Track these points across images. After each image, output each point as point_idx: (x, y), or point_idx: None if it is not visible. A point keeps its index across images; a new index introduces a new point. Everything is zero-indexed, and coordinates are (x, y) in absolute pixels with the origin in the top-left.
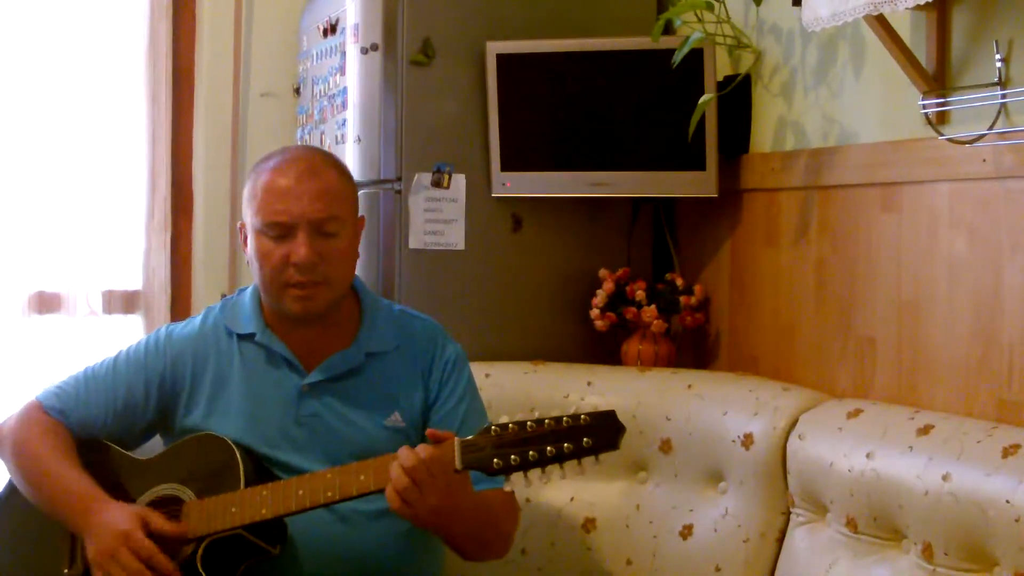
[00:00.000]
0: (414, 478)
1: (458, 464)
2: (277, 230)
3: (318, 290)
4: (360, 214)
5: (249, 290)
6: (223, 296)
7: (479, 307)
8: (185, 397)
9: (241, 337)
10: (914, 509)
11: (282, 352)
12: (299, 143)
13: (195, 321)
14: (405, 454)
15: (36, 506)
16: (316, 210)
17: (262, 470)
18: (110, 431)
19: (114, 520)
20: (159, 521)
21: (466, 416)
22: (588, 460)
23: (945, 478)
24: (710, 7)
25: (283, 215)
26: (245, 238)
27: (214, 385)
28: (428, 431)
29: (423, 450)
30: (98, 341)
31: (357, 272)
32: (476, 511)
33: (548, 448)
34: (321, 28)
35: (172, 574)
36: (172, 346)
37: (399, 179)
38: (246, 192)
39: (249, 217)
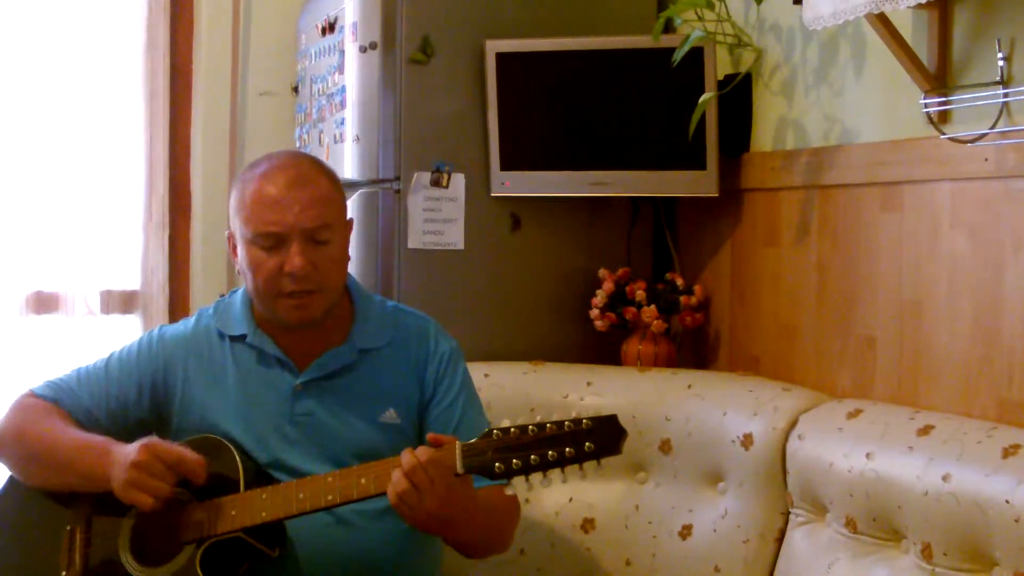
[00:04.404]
0: (413, 481)
1: (459, 468)
2: (269, 240)
3: (313, 298)
4: (348, 217)
5: (240, 292)
6: (220, 296)
7: (478, 307)
8: (178, 399)
9: (233, 339)
10: (914, 509)
11: (274, 352)
12: (297, 142)
13: (188, 323)
14: (406, 458)
15: (51, 484)
16: (308, 219)
17: (262, 473)
18: (104, 429)
19: (131, 447)
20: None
21: (463, 413)
22: (589, 464)
23: (945, 478)
24: (710, 6)
25: (275, 225)
26: (234, 247)
27: (208, 387)
28: (429, 435)
29: (423, 453)
30: (96, 341)
31: (356, 272)
32: (479, 514)
33: (550, 452)
34: (320, 27)
35: (200, 462)
36: (165, 347)
37: (398, 178)
38: (233, 202)
39: (238, 227)
